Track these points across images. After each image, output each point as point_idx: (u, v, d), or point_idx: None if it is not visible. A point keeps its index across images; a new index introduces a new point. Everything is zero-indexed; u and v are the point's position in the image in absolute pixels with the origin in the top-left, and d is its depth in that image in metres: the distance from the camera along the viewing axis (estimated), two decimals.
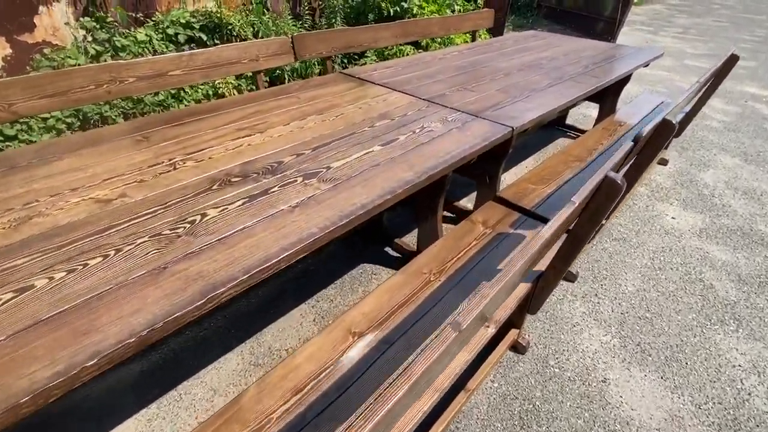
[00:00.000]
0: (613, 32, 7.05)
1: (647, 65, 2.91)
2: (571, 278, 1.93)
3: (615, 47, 3.08)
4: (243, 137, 1.47)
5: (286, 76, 3.42)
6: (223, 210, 1.07)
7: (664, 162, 3.06)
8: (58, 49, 2.67)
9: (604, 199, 1.04)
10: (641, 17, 9.13)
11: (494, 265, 1.39)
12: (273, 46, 2.36)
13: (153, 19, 2.98)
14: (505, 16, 6.19)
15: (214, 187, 1.17)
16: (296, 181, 1.20)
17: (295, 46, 2.45)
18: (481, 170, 2.10)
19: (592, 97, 3.38)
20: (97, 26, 2.70)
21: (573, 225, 1.15)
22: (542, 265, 1.29)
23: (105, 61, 2.72)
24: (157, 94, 2.98)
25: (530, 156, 3.09)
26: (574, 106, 3.63)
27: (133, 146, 1.38)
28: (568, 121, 3.75)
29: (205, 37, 3.12)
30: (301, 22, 3.71)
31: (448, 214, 2.40)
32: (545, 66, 2.46)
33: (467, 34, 5.58)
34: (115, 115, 2.74)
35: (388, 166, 1.29)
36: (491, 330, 1.19)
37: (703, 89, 2.66)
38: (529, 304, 1.43)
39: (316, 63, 3.66)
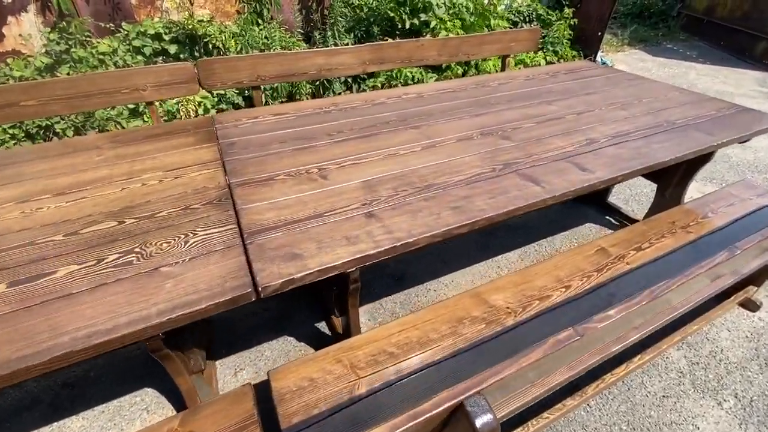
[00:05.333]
0: None
1: (745, 141, 1.70)
2: None
3: (700, 100, 1.91)
4: None
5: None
6: None
7: (752, 306, 1.80)
8: (24, 58, 2.67)
9: None
10: None
11: None
12: (167, 74, 1.94)
13: (124, 29, 2.82)
14: (604, 28, 4.80)
15: None
16: None
17: (200, 74, 1.99)
18: (336, 305, 1.37)
19: (648, 175, 2.21)
20: (55, 37, 2.62)
21: None
22: None
23: (60, 73, 2.64)
24: (113, 107, 2.83)
25: (518, 248, 2.12)
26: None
27: None
28: (619, 197, 2.56)
29: (174, 50, 2.86)
30: (290, 35, 3.22)
31: (327, 333, 1.69)
32: (516, 135, 1.54)
33: (538, 55, 4.43)
34: (63, 129, 2.65)
35: None
36: None
37: None
38: None
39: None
